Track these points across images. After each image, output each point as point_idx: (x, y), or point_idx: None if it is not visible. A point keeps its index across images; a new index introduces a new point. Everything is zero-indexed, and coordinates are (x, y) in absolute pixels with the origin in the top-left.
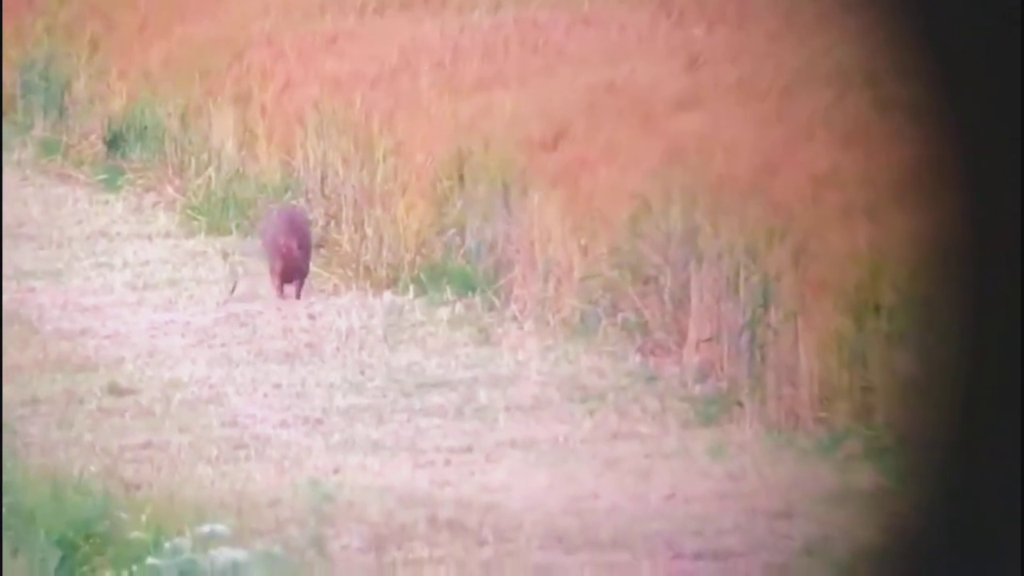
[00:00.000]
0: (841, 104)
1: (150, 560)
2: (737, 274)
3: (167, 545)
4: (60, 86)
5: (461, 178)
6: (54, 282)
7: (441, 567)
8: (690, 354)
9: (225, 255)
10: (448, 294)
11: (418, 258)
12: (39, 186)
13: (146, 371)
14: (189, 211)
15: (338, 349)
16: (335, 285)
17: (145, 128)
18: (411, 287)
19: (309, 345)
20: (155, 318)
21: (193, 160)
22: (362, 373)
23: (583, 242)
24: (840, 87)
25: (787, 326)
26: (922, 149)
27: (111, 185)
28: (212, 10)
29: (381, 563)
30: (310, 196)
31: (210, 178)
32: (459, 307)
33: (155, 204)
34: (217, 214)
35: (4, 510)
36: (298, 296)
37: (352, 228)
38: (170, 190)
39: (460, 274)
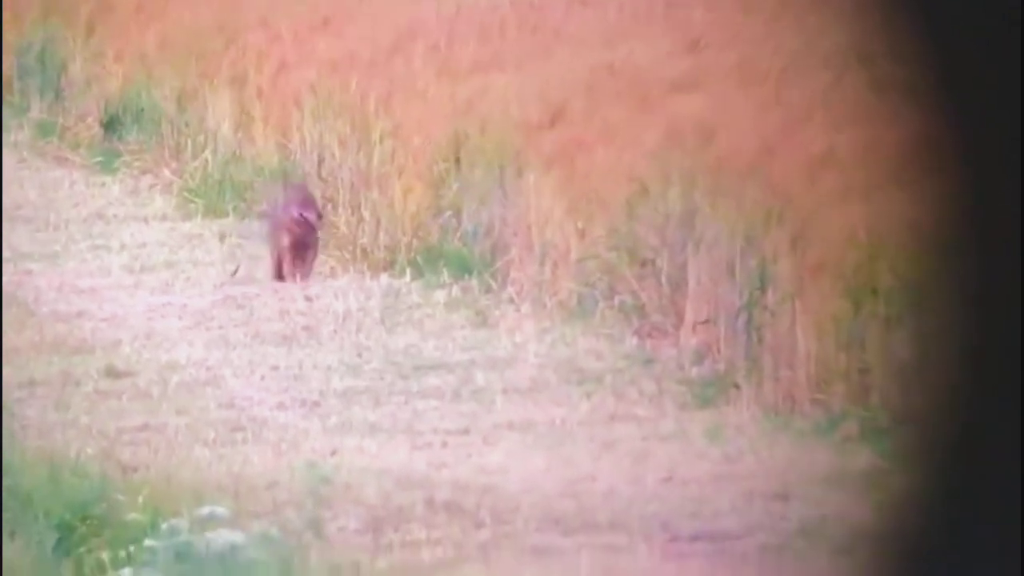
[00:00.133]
0: (839, 86)
1: (147, 542)
2: (734, 256)
3: (164, 527)
4: (56, 68)
5: (458, 160)
6: (51, 264)
7: (438, 549)
8: (687, 336)
9: (222, 237)
10: (445, 276)
11: (415, 240)
12: (36, 168)
13: (143, 353)
14: (186, 193)
15: (335, 331)
16: (332, 268)
17: (141, 110)
18: (408, 270)
19: (306, 327)
20: (152, 300)
21: (189, 142)
22: (359, 355)
23: (580, 224)
24: (838, 68)
25: (784, 308)
26: (920, 130)
27: (107, 167)
28: None
29: (378, 545)
30: (307, 179)
31: (207, 160)
32: (456, 289)
33: (152, 186)
34: (214, 196)
35: (2, 492)
36: (305, 277)
37: (349, 211)
38: (167, 172)
39: (457, 256)
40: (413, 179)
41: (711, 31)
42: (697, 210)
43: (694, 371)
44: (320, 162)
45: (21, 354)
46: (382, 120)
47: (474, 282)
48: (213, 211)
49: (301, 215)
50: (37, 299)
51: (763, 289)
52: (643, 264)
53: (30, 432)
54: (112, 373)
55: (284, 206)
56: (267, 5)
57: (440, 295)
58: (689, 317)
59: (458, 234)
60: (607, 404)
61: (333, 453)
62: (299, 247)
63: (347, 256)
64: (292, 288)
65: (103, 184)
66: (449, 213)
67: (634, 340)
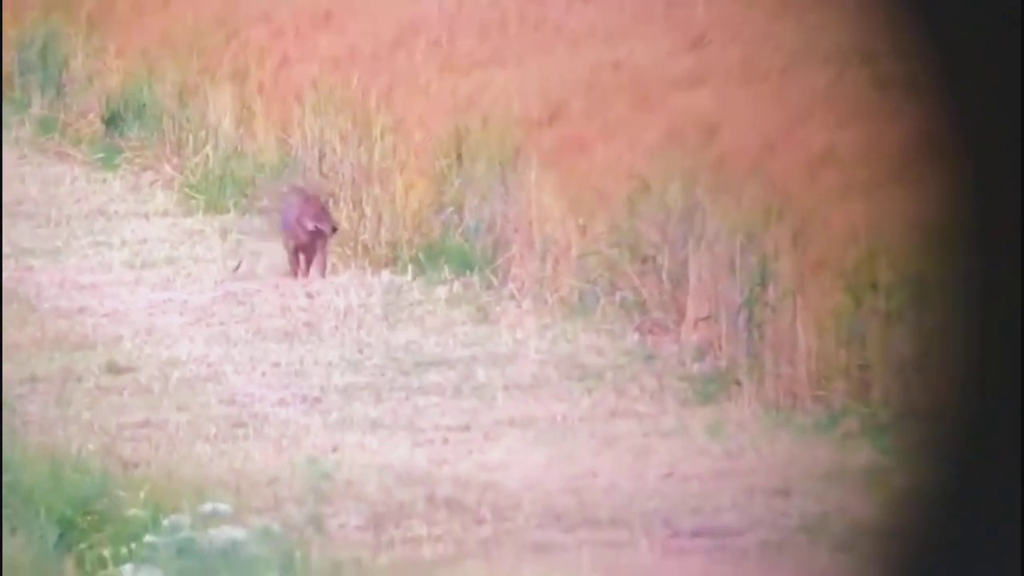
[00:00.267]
0: (840, 83)
1: (148, 538)
2: (735, 253)
3: (165, 523)
4: (58, 64)
5: (459, 157)
6: (52, 260)
7: (439, 545)
8: (688, 333)
9: (223, 233)
10: (446, 273)
11: (416, 237)
12: (37, 164)
13: (144, 349)
14: (187, 189)
15: (336, 328)
16: (333, 264)
17: (143, 106)
18: (409, 266)
19: (307, 324)
20: (153, 296)
21: (191, 138)
22: (360, 352)
23: (581, 221)
24: (839, 66)
25: (785, 304)
26: (921, 127)
27: (109, 163)
28: None
29: (379, 541)
30: (308, 174)
31: (208, 156)
32: (457, 286)
33: (153, 182)
34: (215, 192)
35: (3, 488)
36: (323, 274)
37: (350, 206)
38: (168, 168)
39: (458, 253)
40: (414, 175)
41: (712, 29)
42: (698, 207)
43: (695, 367)
44: (321, 158)
45: (22, 350)
46: (383, 116)
47: (475, 278)
48: (214, 207)
49: (316, 228)
50: (38, 295)
51: (764, 285)
52: (644, 260)
53: (31, 428)
54: (113, 369)
55: (298, 217)
56: (268, 0)
57: (441, 291)
58: (690, 313)
59: (459, 230)
60: (608, 400)
61: (334, 449)
62: (309, 250)
63: (348, 252)
64: (293, 284)
65: (104, 180)
66: (450, 209)
67: (635, 336)
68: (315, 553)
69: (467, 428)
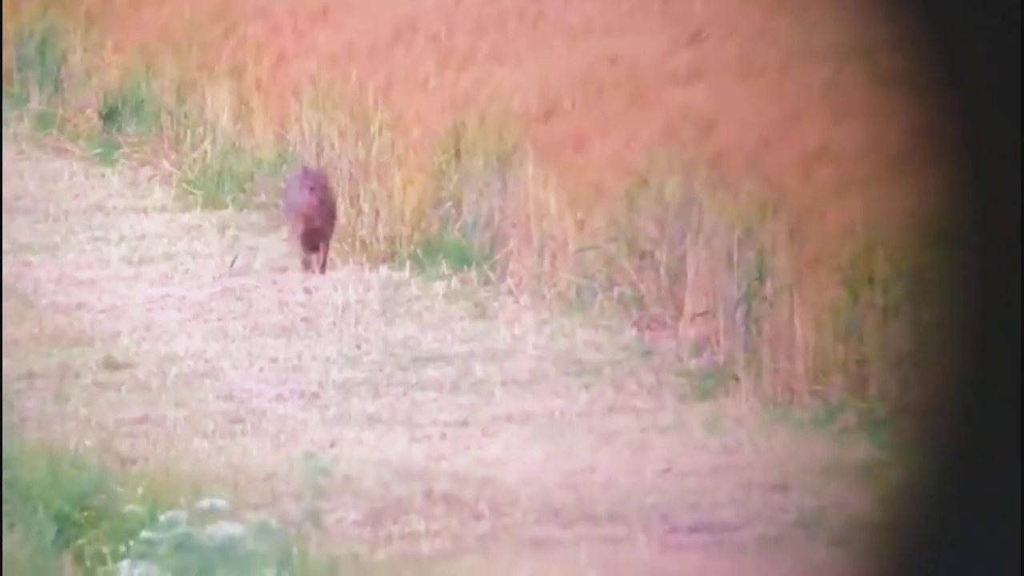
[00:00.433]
0: (838, 79)
1: (145, 534)
2: (733, 248)
3: (163, 519)
4: (56, 60)
5: (457, 152)
6: (50, 256)
7: (437, 541)
8: (686, 328)
9: (221, 229)
10: (444, 268)
11: (414, 232)
12: (35, 160)
13: (142, 345)
14: (185, 185)
15: (334, 323)
16: (331, 259)
17: (141, 102)
18: (407, 261)
19: (305, 319)
20: (151, 292)
21: (189, 134)
22: (358, 347)
23: (579, 216)
24: (837, 61)
25: (782, 299)
26: (919, 123)
27: (107, 159)
28: None
29: (377, 536)
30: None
31: (206, 152)
32: (455, 281)
33: (151, 178)
34: (213, 188)
35: (1, 484)
36: (323, 270)
37: (348, 202)
38: (166, 164)
39: (456, 248)
40: (412, 171)
41: (710, 24)
42: (696, 202)
43: (693, 363)
44: (319, 153)
45: (20, 346)
46: (381, 111)
47: (473, 274)
48: (212, 202)
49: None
50: (36, 291)
51: (761, 280)
52: (642, 256)
53: (29, 424)
54: (111, 365)
55: (300, 190)
56: None
57: (439, 287)
58: (688, 309)
59: (457, 226)
60: (606, 396)
61: (332, 445)
62: (313, 235)
63: (346, 248)
64: (291, 280)
65: (102, 175)
66: (448, 204)
67: (633, 332)
68: (313, 548)
69: (465, 424)
